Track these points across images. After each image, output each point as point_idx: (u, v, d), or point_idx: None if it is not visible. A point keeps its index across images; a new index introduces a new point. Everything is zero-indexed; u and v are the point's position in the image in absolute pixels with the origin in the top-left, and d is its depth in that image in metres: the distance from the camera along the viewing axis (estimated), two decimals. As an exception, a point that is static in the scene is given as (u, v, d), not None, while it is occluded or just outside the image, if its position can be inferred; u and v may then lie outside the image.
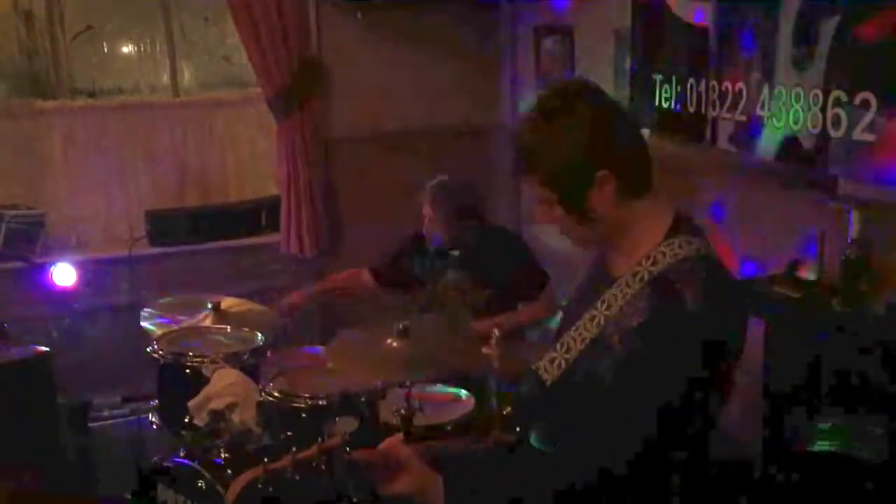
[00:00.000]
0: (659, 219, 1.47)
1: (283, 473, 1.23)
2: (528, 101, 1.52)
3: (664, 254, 1.42)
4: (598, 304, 1.46)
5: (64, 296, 3.65)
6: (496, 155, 4.50)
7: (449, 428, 2.39)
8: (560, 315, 1.72)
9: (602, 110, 1.45)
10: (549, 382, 1.49)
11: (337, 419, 2.15)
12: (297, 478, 1.21)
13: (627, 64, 3.38)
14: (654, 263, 1.42)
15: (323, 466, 1.23)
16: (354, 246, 4.24)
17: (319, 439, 2.01)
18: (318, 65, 4.14)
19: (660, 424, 1.33)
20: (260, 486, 1.22)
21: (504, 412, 2.04)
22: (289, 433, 2.15)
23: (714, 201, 3.05)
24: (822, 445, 2.20)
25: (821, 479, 2.22)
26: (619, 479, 1.33)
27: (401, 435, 1.54)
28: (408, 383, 2.42)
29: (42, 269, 3.51)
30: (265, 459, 1.30)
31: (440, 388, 2.68)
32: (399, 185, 4.06)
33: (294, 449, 1.29)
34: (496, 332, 2.73)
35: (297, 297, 3.38)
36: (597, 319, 1.45)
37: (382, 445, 1.43)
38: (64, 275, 3.56)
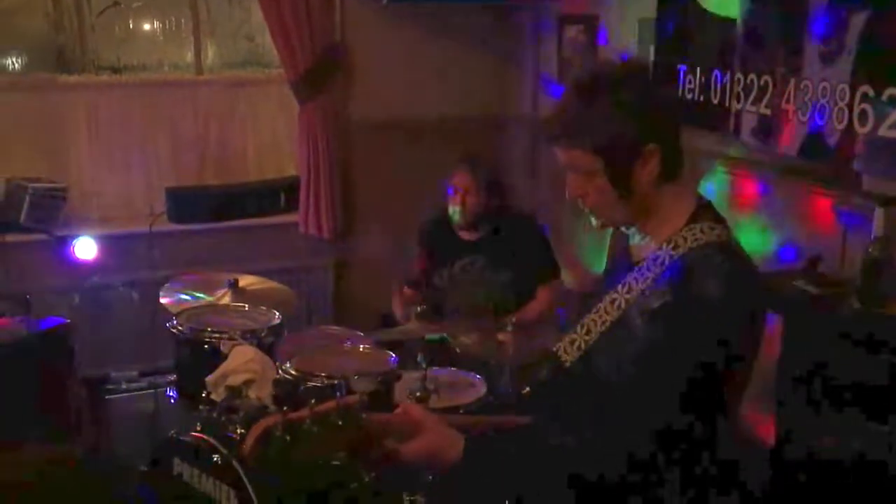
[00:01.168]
0: (682, 204, 1.48)
1: (301, 423, 1.23)
2: (574, 73, 1.51)
3: (685, 238, 1.43)
4: (620, 287, 1.47)
5: (85, 269, 3.68)
6: (515, 145, 4.49)
7: (462, 412, 2.41)
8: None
9: (654, 86, 1.49)
10: (568, 363, 1.50)
11: (356, 377, 2.16)
12: (315, 430, 1.21)
13: (651, 54, 3.37)
14: (675, 248, 1.43)
15: (340, 422, 1.23)
16: (371, 229, 4.26)
17: (338, 394, 2.02)
18: (341, 49, 4.14)
19: (676, 406, 1.34)
20: (277, 433, 1.22)
21: (522, 392, 2.04)
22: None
23: (735, 194, 3.04)
24: (833, 441, 2.19)
25: (831, 476, 2.22)
26: (637, 460, 1.34)
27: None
28: (423, 366, 2.45)
29: (64, 242, 3.53)
30: (285, 408, 1.31)
31: (454, 373, 2.70)
32: (417, 172, 4.06)
33: (314, 401, 1.29)
34: (512, 319, 2.75)
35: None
36: (617, 302, 1.46)
37: (398, 409, 1.40)
38: (85, 248, 3.58)
